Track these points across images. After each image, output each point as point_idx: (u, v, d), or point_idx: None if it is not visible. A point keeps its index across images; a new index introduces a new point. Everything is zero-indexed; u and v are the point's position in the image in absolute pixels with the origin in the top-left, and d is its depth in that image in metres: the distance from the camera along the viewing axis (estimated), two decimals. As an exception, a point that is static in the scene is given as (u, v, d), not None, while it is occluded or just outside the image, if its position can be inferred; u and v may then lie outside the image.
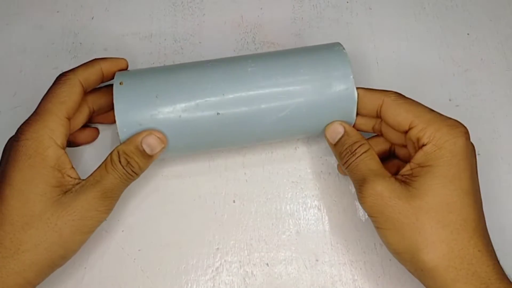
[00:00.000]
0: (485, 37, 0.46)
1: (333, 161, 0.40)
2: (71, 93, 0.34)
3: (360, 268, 0.37)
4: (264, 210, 0.39)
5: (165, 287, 0.37)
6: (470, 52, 0.45)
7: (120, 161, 0.33)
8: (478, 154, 0.40)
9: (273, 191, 0.40)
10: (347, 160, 0.34)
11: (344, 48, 0.36)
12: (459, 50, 0.45)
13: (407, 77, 0.44)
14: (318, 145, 0.41)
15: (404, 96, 0.34)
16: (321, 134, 0.37)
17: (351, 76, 0.35)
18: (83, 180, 0.33)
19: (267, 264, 0.37)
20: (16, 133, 0.33)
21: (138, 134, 0.34)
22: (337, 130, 0.35)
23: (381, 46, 0.45)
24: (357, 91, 0.35)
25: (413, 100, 0.34)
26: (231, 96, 0.34)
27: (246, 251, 0.38)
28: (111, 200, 0.33)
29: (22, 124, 0.33)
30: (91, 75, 0.36)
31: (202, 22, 0.47)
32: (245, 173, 0.40)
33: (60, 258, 0.32)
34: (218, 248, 0.38)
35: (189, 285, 0.37)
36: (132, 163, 0.34)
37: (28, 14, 0.47)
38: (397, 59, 0.45)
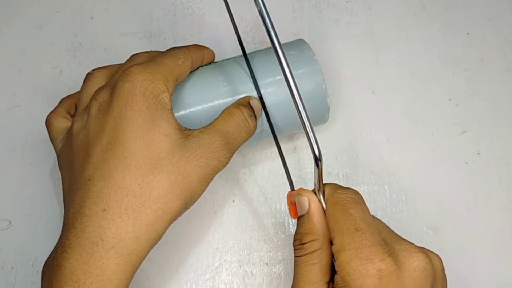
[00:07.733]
0: (485, 37, 0.46)
1: (332, 161, 0.40)
2: (186, 65, 0.33)
3: (360, 268, 0.37)
4: (264, 209, 0.39)
5: (165, 287, 0.36)
6: (470, 52, 0.45)
7: (243, 112, 0.32)
8: (478, 154, 0.41)
9: (273, 191, 0.39)
10: (295, 249, 0.27)
11: (313, 53, 0.37)
12: (459, 50, 0.45)
13: (407, 77, 0.44)
14: (318, 145, 0.41)
15: (348, 200, 0.27)
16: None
17: (321, 75, 0.35)
18: (201, 128, 0.31)
19: (267, 264, 0.37)
20: (124, 74, 0.30)
21: (243, 97, 0.34)
22: (302, 205, 0.28)
23: (381, 46, 0.45)
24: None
25: (351, 209, 0.26)
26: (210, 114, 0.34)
27: (245, 251, 0.38)
28: (231, 152, 0.31)
29: (130, 67, 0.30)
30: (198, 59, 0.35)
31: (201, 22, 0.47)
32: (244, 173, 0.40)
33: (185, 208, 0.29)
34: (217, 248, 0.38)
35: (189, 284, 0.37)
36: (252, 118, 0.33)
37: (27, 14, 0.47)
38: (397, 59, 0.45)
